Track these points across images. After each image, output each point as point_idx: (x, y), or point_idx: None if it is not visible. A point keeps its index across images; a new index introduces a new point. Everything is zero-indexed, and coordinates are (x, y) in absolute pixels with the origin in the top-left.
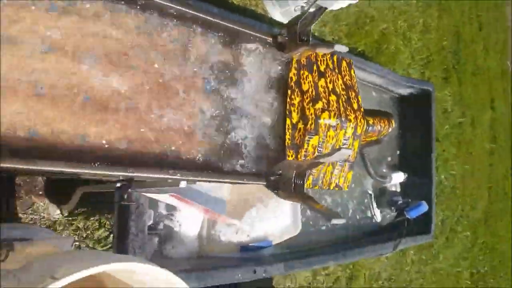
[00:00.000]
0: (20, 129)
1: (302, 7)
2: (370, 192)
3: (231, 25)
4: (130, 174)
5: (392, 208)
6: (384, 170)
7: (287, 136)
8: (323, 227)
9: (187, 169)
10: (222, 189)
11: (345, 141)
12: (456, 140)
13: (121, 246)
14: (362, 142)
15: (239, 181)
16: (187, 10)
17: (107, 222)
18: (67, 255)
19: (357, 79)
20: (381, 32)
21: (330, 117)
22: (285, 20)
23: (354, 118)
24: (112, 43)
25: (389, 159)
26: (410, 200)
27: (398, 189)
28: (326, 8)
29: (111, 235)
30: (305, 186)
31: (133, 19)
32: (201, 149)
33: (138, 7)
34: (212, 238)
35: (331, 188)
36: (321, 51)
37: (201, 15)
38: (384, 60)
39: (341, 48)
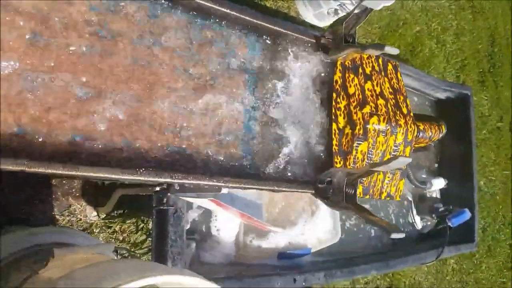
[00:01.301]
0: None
1: (336, 9)
2: (410, 198)
3: (275, 27)
4: (177, 181)
5: (433, 215)
6: (424, 176)
7: (334, 142)
8: (361, 235)
9: (231, 176)
10: (262, 196)
11: (395, 148)
12: (495, 145)
13: (160, 252)
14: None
15: (287, 189)
16: (231, 12)
17: (144, 226)
18: (111, 264)
19: (403, 82)
20: (415, 35)
21: (379, 122)
22: (318, 23)
23: (404, 123)
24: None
25: (428, 164)
26: (451, 207)
27: (438, 196)
28: (372, 9)
29: (148, 239)
30: (357, 192)
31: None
32: (247, 156)
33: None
34: (249, 244)
35: (383, 198)
36: (370, 52)
37: (246, 17)
38: (419, 63)
39: (392, 50)
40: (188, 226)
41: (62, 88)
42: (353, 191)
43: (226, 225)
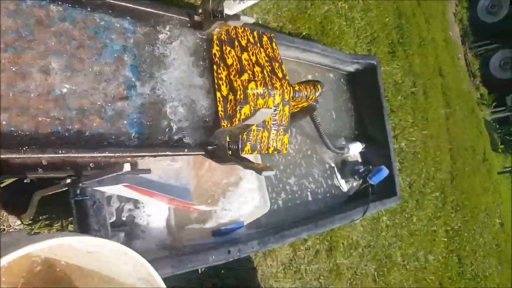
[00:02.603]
0: None
1: None
2: (332, 164)
3: (144, 8)
4: (61, 156)
5: (356, 176)
6: (343, 143)
7: (220, 109)
8: (292, 204)
9: (123, 147)
10: (183, 178)
11: (275, 107)
12: (411, 108)
13: None
14: (295, 109)
15: (180, 153)
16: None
17: (70, 226)
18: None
19: (279, 52)
20: (324, 15)
21: (257, 87)
22: (228, 11)
23: (280, 86)
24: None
25: (347, 132)
26: (371, 167)
27: (359, 159)
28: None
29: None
30: (245, 152)
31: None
32: (138, 128)
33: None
34: (182, 227)
35: (270, 151)
36: (231, 23)
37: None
38: (330, 41)
39: (247, 19)
40: (113, 218)
41: None
42: (235, 146)
43: (155, 211)
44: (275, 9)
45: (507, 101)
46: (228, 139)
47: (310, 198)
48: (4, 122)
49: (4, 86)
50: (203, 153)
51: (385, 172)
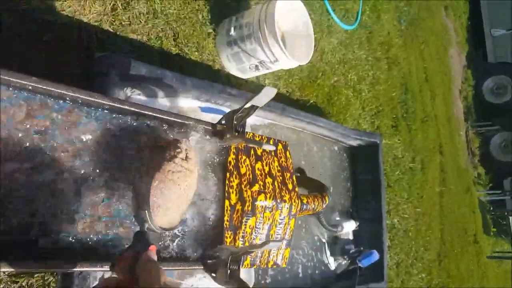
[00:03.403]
0: None
1: (256, 65)
2: (323, 240)
3: (168, 117)
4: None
5: (345, 256)
6: (338, 218)
7: (226, 218)
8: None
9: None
10: None
11: (281, 220)
12: (407, 184)
13: None
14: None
15: (180, 268)
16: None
17: (52, 280)
18: None
19: (292, 160)
20: (332, 85)
21: (266, 199)
22: (241, 75)
23: (289, 199)
24: None
25: (340, 208)
26: (362, 249)
27: (351, 237)
28: (258, 106)
29: None
30: (244, 266)
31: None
32: None
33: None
34: None
35: (269, 266)
36: (252, 145)
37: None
38: (336, 110)
39: (269, 147)
40: (95, 283)
41: None
42: (236, 267)
43: None
44: (286, 76)
45: (505, 184)
46: (229, 258)
47: (300, 272)
48: None
49: None
50: (202, 267)
51: (375, 256)
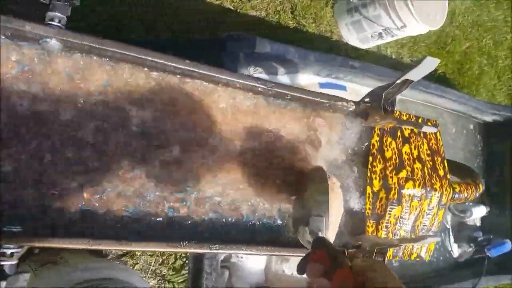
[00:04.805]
0: None
1: (380, 33)
2: (448, 226)
3: (310, 97)
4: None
5: (471, 244)
6: (467, 203)
7: (368, 206)
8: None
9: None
10: None
11: (429, 211)
12: None
13: (196, 286)
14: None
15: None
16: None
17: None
18: None
19: (442, 142)
20: (464, 51)
21: (414, 187)
22: (361, 45)
23: (439, 187)
24: None
25: None
26: (491, 237)
27: (479, 224)
28: (412, 81)
29: (185, 265)
30: (386, 258)
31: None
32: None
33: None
34: (280, 272)
35: (412, 258)
36: (407, 126)
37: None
38: (467, 81)
39: (430, 129)
40: (223, 257)
41: None
42: (382, 259)
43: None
44: (411, 43)
45: None
46: (375, 249)
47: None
48: None
49: None
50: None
51: (508, 247)
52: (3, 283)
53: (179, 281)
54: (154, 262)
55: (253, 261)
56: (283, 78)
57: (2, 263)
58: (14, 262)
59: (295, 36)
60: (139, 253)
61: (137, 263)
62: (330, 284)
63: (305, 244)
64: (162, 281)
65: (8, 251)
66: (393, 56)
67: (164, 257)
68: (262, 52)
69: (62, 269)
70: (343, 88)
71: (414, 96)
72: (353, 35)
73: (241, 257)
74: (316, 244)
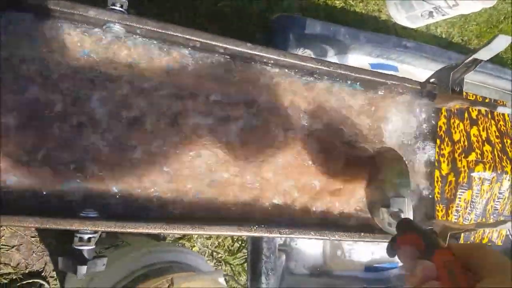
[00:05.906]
0: None
1: (431, 12)
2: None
3: (375, 78)
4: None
5: None
6: None
7: (436, 190)
8: None
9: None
10: None
11: (500, 195)
12: None
13: (255, 269)
14: None
15: (380, 240)
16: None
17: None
18: None
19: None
20: None
21: (485, 170)
22: (410, 24)
23: (511, 170)
24: None
25: None
26: None
27: None
28: (482, 60)
29: (242, 245)
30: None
31: None
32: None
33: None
34: (337, 255)
35: (483, 242)
36: (479, 107)
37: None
38: None
39: (505, 110)
40: (281, 241)
41: None
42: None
43: None
44: (461, 22)
45: None
46: (448, 234)
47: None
48: None
49: None
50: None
51: None
52: (84, 268)
53: (236, 263)
54: (211, 245)
55: (308, 245)
56: (332, 59)
57: (81, 247)
58: (92, 247)
59: (342, 16)
60: (195, 236)
61: (194, 246)
62: (434, 266)
63: (384, 227)
64: (218, 264)
65: (86, 236)
66: (443, 36)
67: (220, 240)
68: (312, 33)
69: (127, 252)
70: (394, 68)
71: (469, 77)
72: (402, 15)
73: (296, 243)
74: (404, 226)
